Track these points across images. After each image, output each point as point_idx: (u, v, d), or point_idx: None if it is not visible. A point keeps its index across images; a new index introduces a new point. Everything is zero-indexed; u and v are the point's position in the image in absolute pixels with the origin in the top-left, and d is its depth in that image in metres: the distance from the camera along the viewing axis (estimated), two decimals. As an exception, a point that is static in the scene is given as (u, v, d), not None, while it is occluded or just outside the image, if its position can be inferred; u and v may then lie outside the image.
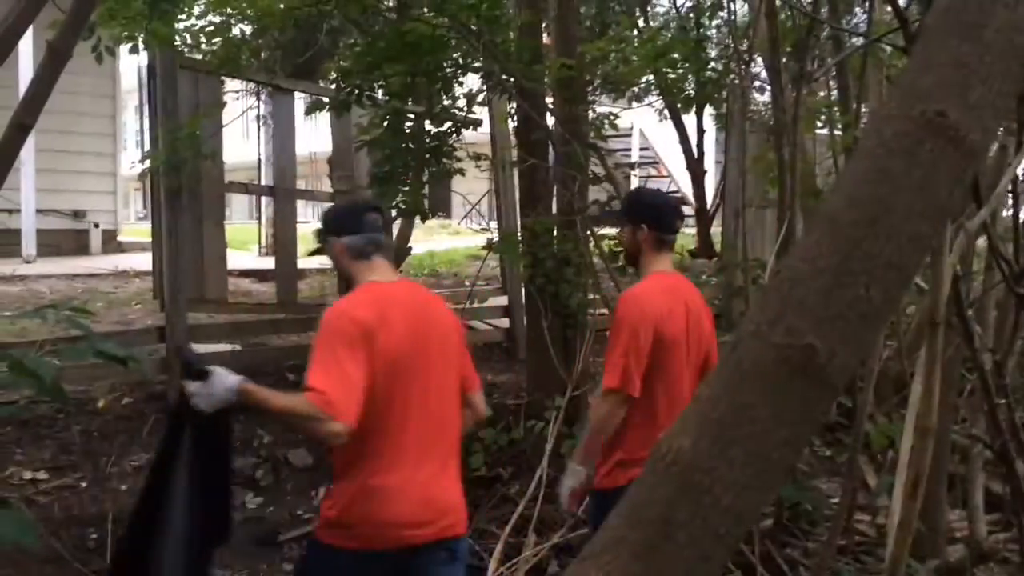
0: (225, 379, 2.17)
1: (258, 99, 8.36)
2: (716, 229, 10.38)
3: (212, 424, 2.15)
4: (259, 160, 9.33)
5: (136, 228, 13.14)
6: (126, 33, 4.68)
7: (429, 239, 12.16)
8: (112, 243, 10.90)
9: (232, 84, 7.81)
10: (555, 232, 5.21)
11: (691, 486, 0.86)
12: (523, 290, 5.67)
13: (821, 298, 0.88)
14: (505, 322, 6.58)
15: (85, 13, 1.63)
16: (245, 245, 11.89)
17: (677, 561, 0.86)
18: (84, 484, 4.05)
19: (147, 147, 5.41)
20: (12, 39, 1.79)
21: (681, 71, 6.57)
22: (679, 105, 9.46)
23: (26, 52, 9.31)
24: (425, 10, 5.14)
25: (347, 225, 2.43)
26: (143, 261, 7.70)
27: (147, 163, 5.10)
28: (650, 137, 16.88)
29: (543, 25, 5.90)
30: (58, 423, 4.56)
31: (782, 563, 3.58)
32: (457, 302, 6.88)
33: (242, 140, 13.87)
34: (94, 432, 4.55)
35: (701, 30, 9.44)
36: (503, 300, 6.56)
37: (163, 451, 2.21)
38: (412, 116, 5.62)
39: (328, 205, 6.62)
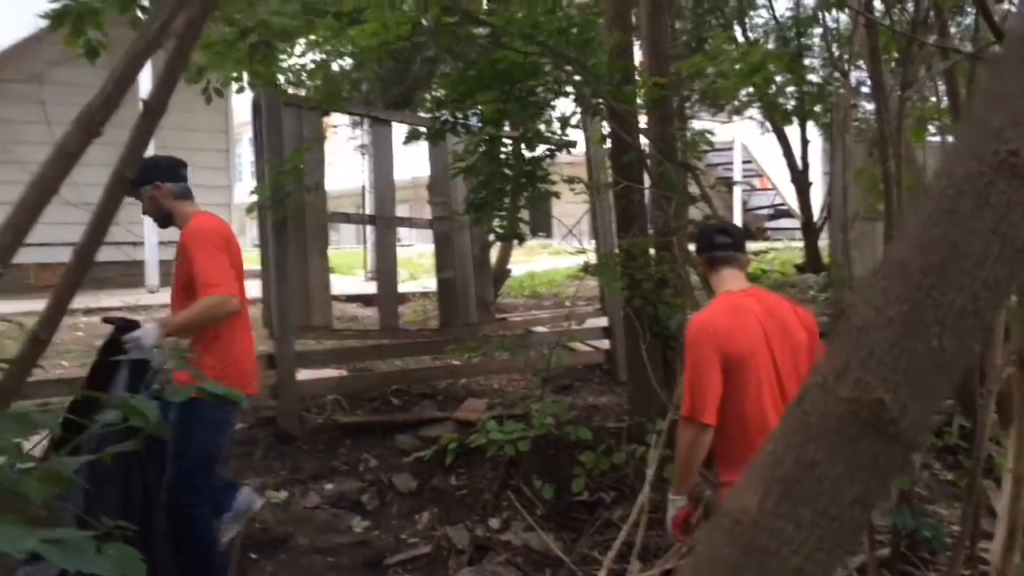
0: (149, 324, 3.04)
1: (357, 129, 8.62)
2: (825, 242, 10.07)
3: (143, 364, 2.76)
4: (363, 188, 9.60)
5: (252, 255, 13.71)
6: (233, 75, 4.90)
7: (530, 260, 12.26)
8: (228, 272, 11.40)
9: (336, 116, 8.09)
10: (652, 253, 5.16)
11: (756, 548, 0.84)
12: (622, 311, 5.65)
13: (890, 349, 0.84)
14: (605, 343, 6.55)
15: (177, 72, 1.73)
16: (351, 270, 12.24)
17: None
18: (200, 508, 4.21)
19: (257, 180, 5.64)
20: (117, 97, 1.89)
21: (779, 84, 6.44)
22: (779, 118, 9.25)
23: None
24: (515, 38, 5.19)
25: (702, 245, 2.94)
26: (257, 288, 8.03)
27: (254, 197, 5.31)
28: (752, 150, 16.54)
29: (634, 45, 5.89)
30: (176, 448, 4.79)
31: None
32: (556, 324, 6.90)
33: (347, 168, 14.32)
34: (209, 457, 4.74)
35: (801, 40, 9.22)
36: (603, 321, 6.53)
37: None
38: (505, 142, 5.68)
39: (423, 232, 6.75)
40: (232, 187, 11.76)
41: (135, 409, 1.77)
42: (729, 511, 0.87)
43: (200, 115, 10.14)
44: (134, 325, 3.07)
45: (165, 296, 9.14)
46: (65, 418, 2.13)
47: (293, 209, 5.28)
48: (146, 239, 9.88)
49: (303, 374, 5.31)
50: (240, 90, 5.28)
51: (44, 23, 4.90)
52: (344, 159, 14.90)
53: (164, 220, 3.44)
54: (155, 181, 3.38)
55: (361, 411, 5.48)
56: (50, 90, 9.80)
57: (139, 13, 4.82)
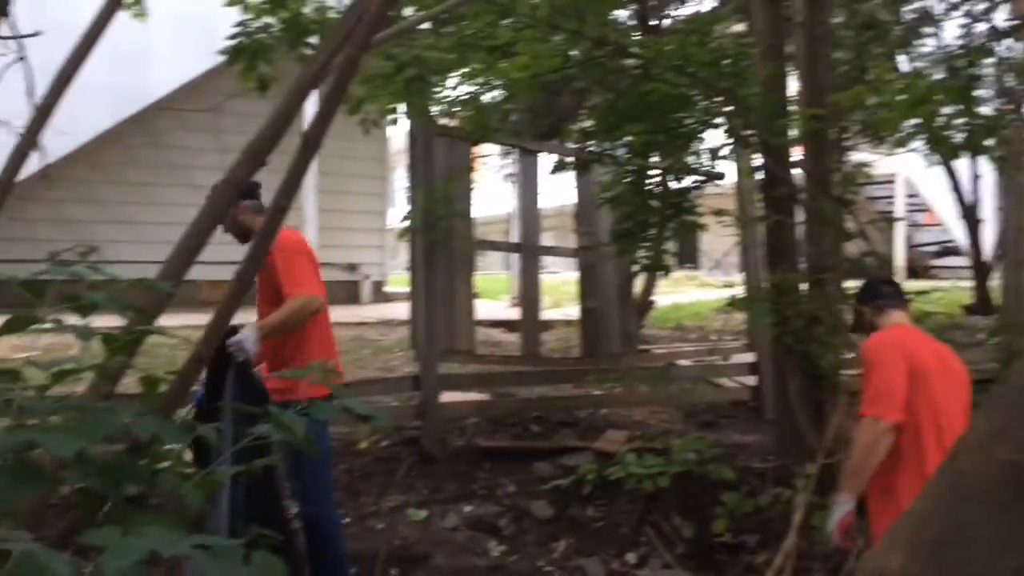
0: (247, 328, 3.13)
1: (506, 158, 8.79)
2: (997, 283, 9.42)
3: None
4: (509, 216, 9.77)
5: (403, 278, 14.21)
6: (388, 106, 5.11)
7: (676, 291, 12.09)
8: (380, 293, 11.84)
9: (487, 145, 8.31)
10: (803, 290, 4.99)
11: (900, 609, 0.80)
12: (770, 348, 5.48)
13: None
14: (752, 380, 6.36)
15: (335, 106, 1.83)
16: (497, 295, 12.44)
17: None
18: (346, 520, 4.37)
19: (408, 207, 5.85)
20: (282, 129, 2.01)
21: (947, 116, 6.11)
22: (947, 152, 8.74)
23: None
24: (665, 70, 5.18)
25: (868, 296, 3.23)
26: (406, 311, 8.31)
27: (406, 223, 5.50)
28: (917, 184, 15.70)
29: (789, 76, 5.74)
30: (326, 462, 5.00)
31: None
32: (700, 357, 6.76)
33: (496, 196, 14.62)
34: (356, 472, 4.92)
35: (972, 70, 8.69)
36: (750, 357, 6.35)
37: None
38: (652, 173, 5.66)
39: (567, 260, 6.79)
40: (386, 213, 12.23)
41: (283, 423, 1.87)
42: (870, 571, 0.83)
43: (359, 144, 10.60)
44: (234, 330, 3.16)
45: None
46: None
47: (442, 235, 5.44)
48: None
49: (446, 396, 5.43)
50: (394, 122, 5.50)
51: (223, 58, 5.30)
52: (493, 187, 15.24)
53: (244, 236, 3.59)
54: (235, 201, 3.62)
55: (501, 436, 5.55)
56: (226, 120, 10.53)
57: (306, 50, 5.14)
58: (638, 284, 8.11)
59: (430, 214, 5.37)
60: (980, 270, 10.25)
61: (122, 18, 6.48)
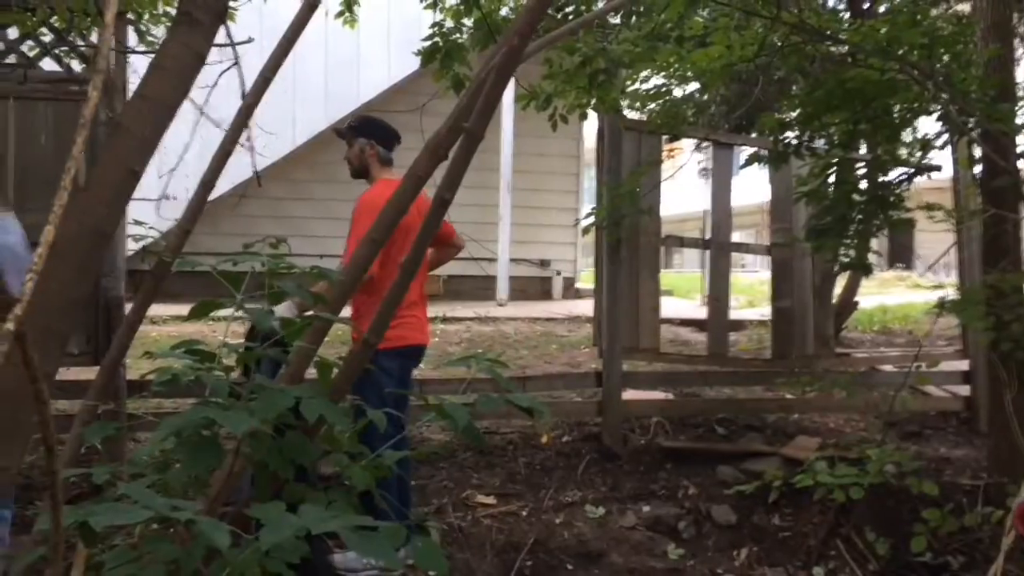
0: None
1: (702, 153, 8.57)
2: None
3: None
4: (705, 213, 9.52)
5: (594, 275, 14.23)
6: (576, 101, 5.12)
7: (883, 292, 11.33)
8: (571, 289, 11.94)
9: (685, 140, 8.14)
10: (1026, 291, 4.52)
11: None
12: (987, 355, 5.01)
13: None
14: (965, 389, 5.84)
15: (495, 100, 1.84)
16: (689, 294, 12.19)
17: None
18: (524, 512, 4.43)
19: (595, 203, 5.84)
20: (488, 113, 2.04)
21: None
22: None
23: (508, 126, 10.69)
24: (870, 55, 4.85)
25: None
26: (591, 307, 8.32)
27: (591, 218, 5.49)
28: None
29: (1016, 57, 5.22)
30: (508, 454, 5.09)
31: None
32: (906, 364, 6.29)
33: (693, 192, 14.30)
34: (536, 465, 4.98)
35: None
36: (963, 365, 5.83)
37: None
38: (853, 165, 5.32)
39: (766, 258, 6.53)
40: (579, 209, 12.30)
41: (446, 412, 1.91)
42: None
43: (553, 141, 10.81)
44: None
45: (513, 309, 9.83)
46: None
47: (627, 231, 5.39)
48: (499, 256, 10.67)
49: (629, 394, 5.37)
50: (583, 116, 5.50)
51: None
52: (690, 183, 14.92)
53: (358, 173, 3.84)
54: (373, 139, 3.79)
55: (684, 436, 5.42)
56: (430, 121, 10.99)
57: (497, 48, 5.24)
58: (839, 284, 7.66)
59: (616, 209, 5.33)
60: None
61: (335, 27, 6.94)
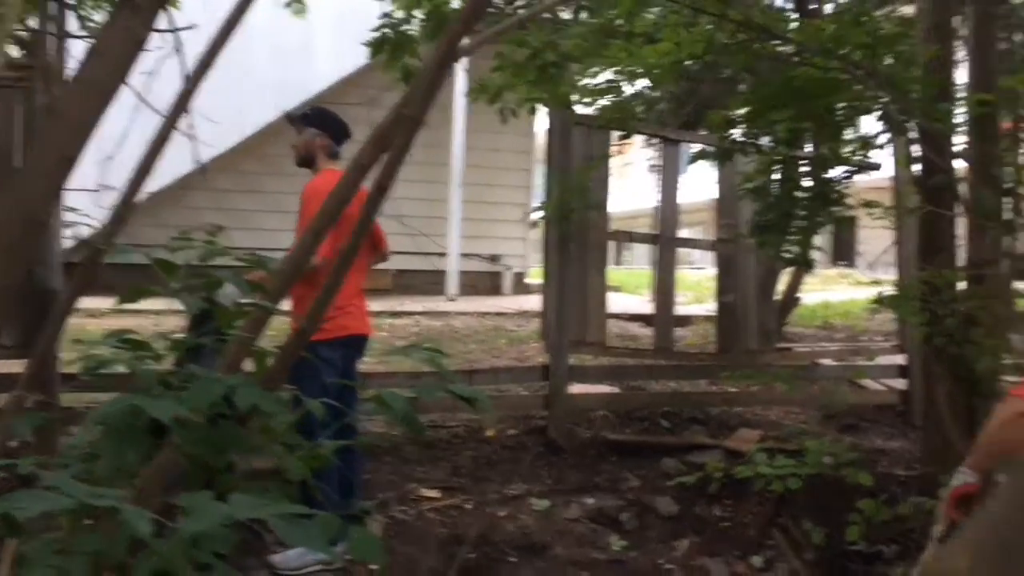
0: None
1: (652, 150, 8.64)
2: None
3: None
4: (656, 209, 9.58)
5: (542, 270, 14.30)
6: (527, 95, 5.12)
7: (827, 289, 11.56)
8: (521, 285, 11.96)
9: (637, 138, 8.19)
10: (960, 288, 4.64)
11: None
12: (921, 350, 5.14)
13: None
14: (901, 383, 5.99)
15: (432, 88, 1.83)
16: (638, 290, 12.29)
17: None
18: (469, 506, 4.44)
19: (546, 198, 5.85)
20: (428, 99, 2.02)
21: None
22: None
23: (460, 121, 10.67)
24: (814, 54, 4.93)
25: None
26: (539, 302, 8.35)
27: (540, 212, 5.51)
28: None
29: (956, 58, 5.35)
30: (453, 447, 5.09)
31: None
32: (845, 358, 6.43)
33: (645, 189, 14.44)
34: (482, 459, 4.99)
35: None
36: (899, 359, 5.98)
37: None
38: (797, 162, 5.41)
39: (714, 254, 6.62)
40: (530, 205, 12.33)
41: (384, 401, 1.90)
42: (938, 571, 0.75)
43: (507, 137, 10.83)
44: None
45: (463, 304, 9.82)
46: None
47: (576, 226, 5.41)
48: (450, 251, 10.65)
49: (575, 388, 5.41)
50: (533, 111, 5.51)
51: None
52: (642, 180, 15.04)
53: (303, 162, 3.86)
54: (324, 131, 3.80)
55: (629, 430, 5.48)
56: (379, 113, 10.90)
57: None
58: (783, 280, 7.80)
59: (565, 204, 5.35)
60: None
61: (285, 16, 6.83)
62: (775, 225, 5.36)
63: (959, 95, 5.15)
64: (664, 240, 5.91)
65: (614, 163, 5.94)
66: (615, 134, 5.95)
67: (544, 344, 5.59)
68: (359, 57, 10.39)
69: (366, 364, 4.68)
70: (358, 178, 2.24)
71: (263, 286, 2.23)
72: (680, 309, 8.28)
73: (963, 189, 4.78)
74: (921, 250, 4.99)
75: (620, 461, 5.03)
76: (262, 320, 2.19)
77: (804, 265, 5.65)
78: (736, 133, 5.70)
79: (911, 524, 4.16)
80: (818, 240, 6.09)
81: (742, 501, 4.48)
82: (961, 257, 4.80)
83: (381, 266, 4.16)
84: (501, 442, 5.21)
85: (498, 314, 9.10)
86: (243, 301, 2.61)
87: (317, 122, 3.85)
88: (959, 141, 5.16)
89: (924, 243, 4.96)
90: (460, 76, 9.43)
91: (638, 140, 10.35)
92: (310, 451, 2.03)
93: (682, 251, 13.14)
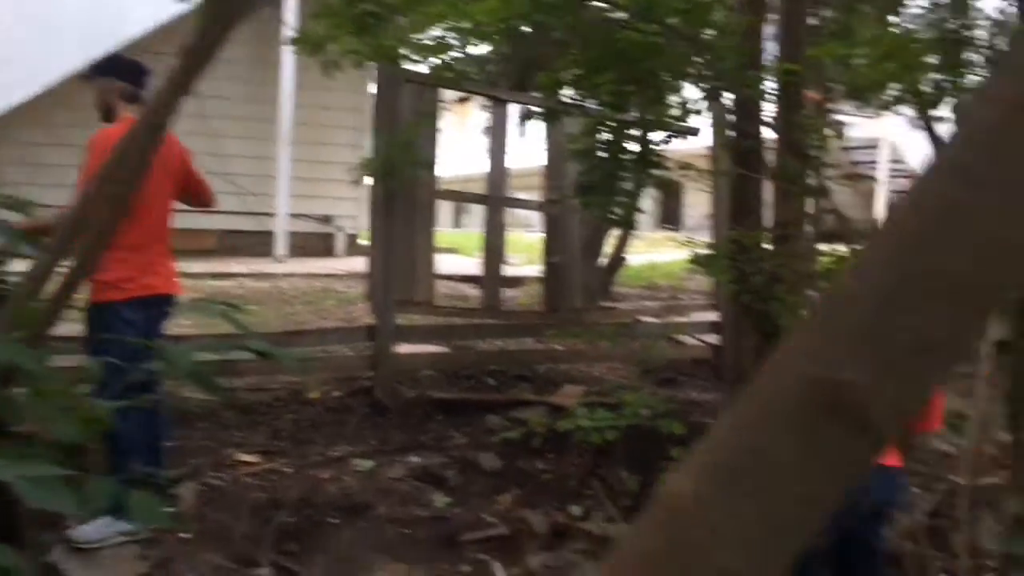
0: None
1: (485, 110, 8.62)
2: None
3: None
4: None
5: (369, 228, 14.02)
6: (350, 48, 4.96)
7: (654, 251, 11.98)
8: (355, 246, 11.70)
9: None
10: (767, 247, 4.90)
11: (683, 543, 0.71)
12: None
13: (868, 323, 0.69)
14: (715, 338, 6.30)
15: (215, 16, 1.71)
16: (474, 252, 12.32)
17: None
18: (289, 470, 4.31)
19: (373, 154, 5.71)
20: (210, 33, 1.88)
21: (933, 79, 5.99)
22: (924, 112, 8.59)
23: (288, 76, 10.26)
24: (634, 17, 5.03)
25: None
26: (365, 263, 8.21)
27: (363, 169, 5.37)
28: (903, 150, 15.57)
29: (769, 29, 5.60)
30: (274, 411, 4.93)
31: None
32: (666, 315, 6.69)
33: (482, 153, 14.43)
34: (304, 422, 4.86)
35: (964, 32, 8.49)
36: (712, 315, 6.28)
37: None
38: (619, 125, 5.53)
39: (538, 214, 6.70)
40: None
41: (167, 356, 1.78)
42: (662, 497, 0.75)
43: (339, 94, 10.50)
44: None
45: (292, 266, 9.51)
46: None
47: (403, 184, 5.32)
48: (278, 211, 10.27)
49: (403, 348, 5.35)
50: (359, 64, 5.34)
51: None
52: (480, 144, 15.02)
53: (105, 116, 3.61)
54: (114, 76, 3.57)
55: (456, 388, 5.48)
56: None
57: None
58: (610, 242, 8.02)
59: (391, 161, 5.24)
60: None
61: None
62: (599, 186, 5.46)
63: (770, 65, 5.39)
64: (492, 200, 5.92)
65: (454, 126, 5.89)
66: (449, 93, 5.89)
67: (371, 304, 5.49)
68: (177, 4, 9.79)
69: (181, 327, 4.45)
70: (153, 125, 2.08)
71: (39, 238, 2.04)
72: (513, 270, 8.37)
73: (771, 155, 5.04)
74: (732, 212, 5.24)
75: (446, 420, 5.04)
76: (43, 276, 2.00)
77: (628, 226, 5.82)
78: (564, 95, 5.77)
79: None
80: (645, 204, 6.28)
81: (564, 454, 4.59)
82: (769, 219, 5.08)
83: (206, 226, 3.93)
84: (325, 404, 5.09)
85: (328, 276, 8.87)
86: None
87: (106, 70, 3.61)
88: (768, 109, 5.42)
89: (735, 206, 5.21)
90: (288, 30, 9.04)
91: (477, 103, 10.31)
92: (85, 413, 1.87)
93: (520, 214, 13.24)
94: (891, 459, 2.68)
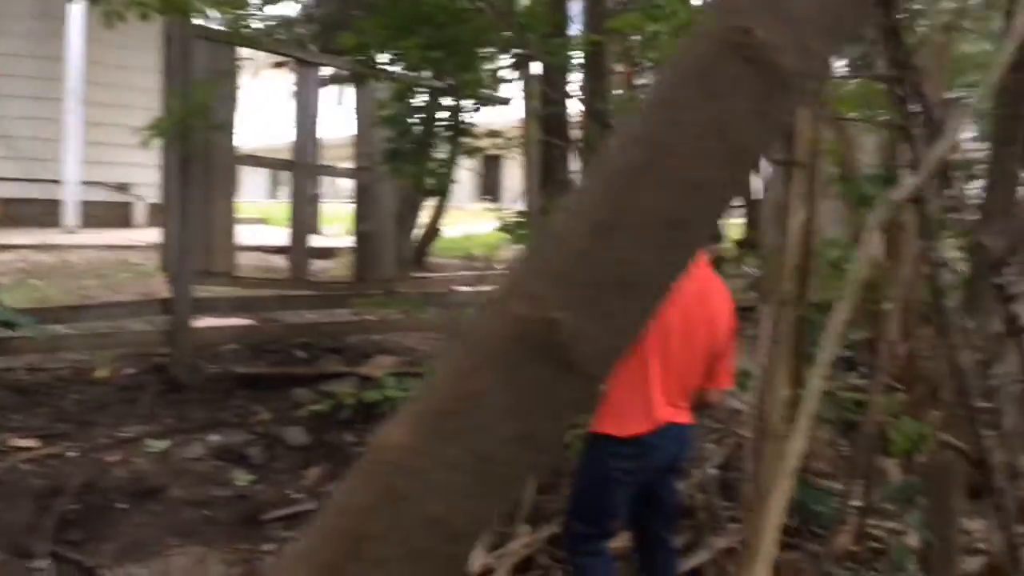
0: None
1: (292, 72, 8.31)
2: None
3: None
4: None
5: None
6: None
7: (473, 223, 12.05)
8: (156, 216, 11.01)
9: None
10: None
11: (393, 491, 0.68)
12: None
13: (573, 261, 0.68)
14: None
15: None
16: (285, 223, 11.93)
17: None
18: (73, 454, 4.01)
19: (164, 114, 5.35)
20: None
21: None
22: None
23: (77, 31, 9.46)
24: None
25: None
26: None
27: (154, 132, 5.01)
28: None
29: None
30: (56, 392, 4.56)
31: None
32: (479, 284, 6.74)
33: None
34: (91, 402, 4.52)
35: None
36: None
37: None
38: (431, 92, 5.48)
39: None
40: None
41: None
42: (372, 449, 0.72)
43: (136, 53, 9.74)
44: None
45: (85, 237, 8.83)
46: None
47: (200, 148, 5.02)
48: (66, 178, 9.49)
49: (203, 321, 5.08)
50: (144, 16, 4.96)
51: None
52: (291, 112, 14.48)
53: None
54: None
55: (262, 363, 5.28)
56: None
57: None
58: (426, 213, 7.97)
59: (184, 122, 4.92)
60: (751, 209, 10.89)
61: None
62: (409, 154, 5.40)
63: (576, 36, 5.49)
64: (298, 167, 5.71)
65: (265, 92, 5.60)
66: (265, 57, 5.61)
67: (166, 276, 5.18)
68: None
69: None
70: None
71: None
72: (326, 241, 8.16)
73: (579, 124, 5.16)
74: (541, 180, 5.33)
75: (251, 395, 4.84)
76: None
77: (442, 196, 5.79)
78: (367, 59, 5.63)
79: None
80: (465, 176, 6.27)
81: (374, 425, 4.52)
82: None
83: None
84: (115, 383, 4.76)
85: (125, 247, 8.31)
86: None
87: None
88: (575, 78, 5.52)
89: (544, 174, 5.30)
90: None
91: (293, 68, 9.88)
92: None
93: (339, 185, 12.89)
94: (683, 416, 2.78)
